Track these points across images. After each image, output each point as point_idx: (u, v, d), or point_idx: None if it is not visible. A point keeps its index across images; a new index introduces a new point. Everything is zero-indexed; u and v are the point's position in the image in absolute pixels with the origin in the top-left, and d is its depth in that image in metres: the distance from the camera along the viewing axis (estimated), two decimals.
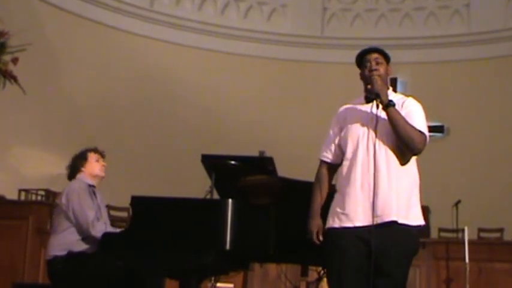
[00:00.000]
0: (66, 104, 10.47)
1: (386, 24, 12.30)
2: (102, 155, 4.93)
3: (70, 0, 10.77)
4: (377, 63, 3.57)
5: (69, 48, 10.68)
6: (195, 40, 11.72)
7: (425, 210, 8.87)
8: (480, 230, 9.48)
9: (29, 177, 9.44)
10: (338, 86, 10.01)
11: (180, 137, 11.01)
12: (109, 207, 7.83)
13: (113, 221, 5.58)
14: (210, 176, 4.70)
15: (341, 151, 3.57)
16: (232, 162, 4.69)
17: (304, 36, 12.08)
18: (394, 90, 3.74)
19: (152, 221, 4.33)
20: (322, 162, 3.66)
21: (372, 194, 3.37)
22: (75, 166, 4.87)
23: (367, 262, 3.33)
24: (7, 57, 8.00)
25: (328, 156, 3.64)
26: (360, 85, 3.62)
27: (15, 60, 7.97)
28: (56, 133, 10.12)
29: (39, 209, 7.72)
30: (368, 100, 3.52)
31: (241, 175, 4.65)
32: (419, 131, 3.45)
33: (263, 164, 4.66)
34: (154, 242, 4.26)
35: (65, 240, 4.64)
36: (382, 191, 3.38)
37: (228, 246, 4.15)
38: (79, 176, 4.84)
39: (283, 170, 4.74)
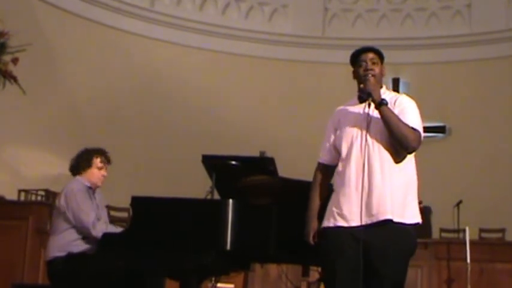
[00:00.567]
0: (66, 104, 10.46)
1: (387, 24, 12.28)
2: (108, 160, 4.93)
3: (70, 1, 10.75)
4: (373, 63, 3.56)
5: (69, 49, 10.67)
6: (196, 40, 11.71)
7: (427, 211, 8.90)
8: (481, 230, 9.48)
9: (29, 178, 9.44)
10: (339, 86, 9.95)
11: (180, 137, 11.00)
12: (109, 208, 7.82)
13: (113, 222, 5.56)
14: (211, 176, 4.70)
15: (337, 152, 3.59)
16: (233, 162, 4.68)
17: (305, 37, 12.07)
18: (397, 91, 3.73)
19: (152, 221, 4.32)
20: (319, 163, 3.70)
21: (366, 193, 3.37)
22: (78, 166, 4.87)
23: (360, 260, 3.32)
24: (7, 58, 8.00)
25: (325, 157, 3.67)
26: None
27: (15, 61, 7.97)
28: (55, 133, 10.11)
29: (39, 210, 7.70)
30: (361, 100, 3.52)
31: (242, 175, 4.64)
32: (413, 129, 3.43)
33: (264, 164, 4.66)
34: (155, 242, 4.26)
35: (65, 241, 4.64)
36: (377, 189, 3.38)
37: (228, 247, 4.15)
38: (78, 177, 4.85)
39: (284, 170, 4.73)
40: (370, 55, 3.58)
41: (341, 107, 3.69)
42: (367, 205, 3.37)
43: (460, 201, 8.94)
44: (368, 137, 3.44)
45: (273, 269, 7.52)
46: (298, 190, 3.90)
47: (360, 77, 3.56)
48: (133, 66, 11.15)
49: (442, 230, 9.49)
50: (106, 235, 4.49)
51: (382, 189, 3.38)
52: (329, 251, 3.43)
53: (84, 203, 4.66)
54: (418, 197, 3.53)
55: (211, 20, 11.95)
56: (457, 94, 11.50)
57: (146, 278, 4.34)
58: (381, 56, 3.61)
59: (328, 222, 3.48)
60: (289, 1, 12.31)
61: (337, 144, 3.57)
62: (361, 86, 3.52)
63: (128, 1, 11.32)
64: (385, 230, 3.35)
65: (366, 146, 3.42)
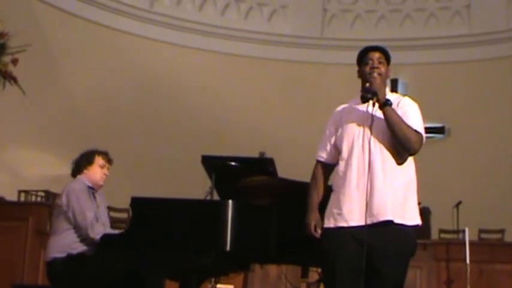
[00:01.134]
0: (66, 105, 10.46)
1: (386, 25, 12.29)
2: (109, 161, 4.93)
3: (70, 2, 10.76)
4: (379, 63, 3.54)
5: (69, 50, 10.67)
6: (195, 41, 11.71)
7: (426, 211, 8.89)
8: (481, 231, 9.46)
9: (29, 179, 9.44)
10: (338, 87, 9.99)
11: (180, 138, 11.00)
12: (109, 209, 7.81)
13: (113, 222, 5.56)
14: (210, 177, 4.70)
15: (337, 151, 3.56)
16: (233, 163, 4.68)
17: (304, 37, 12.07)
18: (395, 91, 3.72)
19: (152, 221, 4.31)
20: (318, 162, 3.66)
21: (367, 193, 3.35)
22: (79, 165, 4.87)
23: (363, 262, 3.31)
24: (7, 58, 8.00)
25: (324, 156, 3.63)
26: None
27: (15, 61, 7.98)
28: (55, 134, 10.11)
29: (39, 210, 7.72)
30: (364, 100, 3.46)
31: (242, 176, 4.64)
32: (416, 131, 3.42)
33: (263, 165, 4.65)
34: (154, 242, 4.25)
35: (65, 242, 4.63)
36: (378, 190, 3.37)
37: (228, 247, 4.14)
38: (80, 176, 4.84)
39: (284, 170, 4.73)
40: (377, 54, 3.55)
41: (343, 106, 3.66)
42: (368, 205, 3.35)
43: (460, 202, 8.94)
44: (370, 137, 3.41)
45: (272, 269, 7.53)
46: (298, 191, 3.90)
47: (365, 75, 3.52)
48: (133, 66, 11.15)
49: (441, 231, 9.48)
50: (106, 236, 4.49)
51: (383, 190, 3.37)
52: (329, 251, 3.42)
53: (84, 202, 4.65)
54: (418, 198, 3.53)
55: (211, 20, 11.95)
56: (456, 95, 11.50)
57: (146, 278, 4.35)
58: (387, 57, 3.58)
59: (328, 223, 3.47)
60: (288, 2, 12.32)
61: (338, 143, 3.54)
62: (367, 84, 3.47)
63: (128, 2, 11.33)
64: (385, 231, 3.35)
65: (368, 146, 3.40)
